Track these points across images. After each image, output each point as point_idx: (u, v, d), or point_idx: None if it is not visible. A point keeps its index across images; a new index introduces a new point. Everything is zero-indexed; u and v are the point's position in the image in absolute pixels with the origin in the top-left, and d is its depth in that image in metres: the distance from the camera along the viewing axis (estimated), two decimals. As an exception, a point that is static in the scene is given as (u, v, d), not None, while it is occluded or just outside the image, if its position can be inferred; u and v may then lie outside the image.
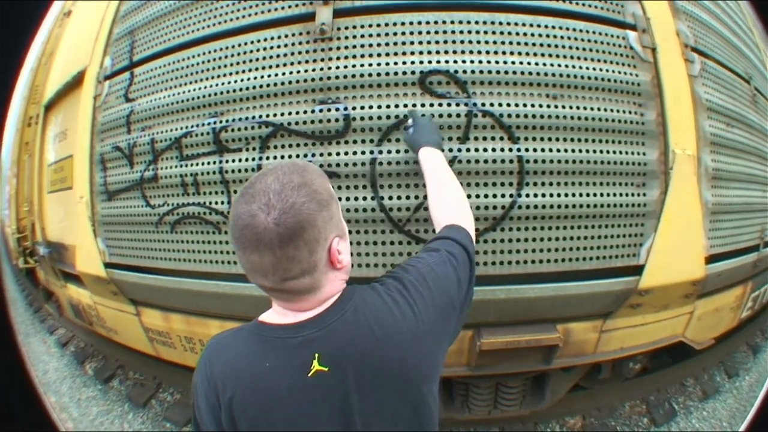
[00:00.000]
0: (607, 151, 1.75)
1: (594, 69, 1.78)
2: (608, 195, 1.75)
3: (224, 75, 1.86)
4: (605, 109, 1.77)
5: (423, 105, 1.67)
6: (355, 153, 1.67)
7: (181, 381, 2.47)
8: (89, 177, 2.28)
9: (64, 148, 2.62)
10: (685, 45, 2.04)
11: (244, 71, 1.82)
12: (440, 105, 1.67)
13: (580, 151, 1.72)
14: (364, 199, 1.67)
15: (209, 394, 0.82)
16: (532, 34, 1.76)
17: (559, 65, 1.74)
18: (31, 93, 3.43)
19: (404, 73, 1.68)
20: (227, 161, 1.80)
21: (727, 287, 2.30)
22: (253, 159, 1.76)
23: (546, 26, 1.77)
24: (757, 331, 3.14)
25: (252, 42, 1.84)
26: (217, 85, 1.86)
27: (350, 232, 1.67)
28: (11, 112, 3.41)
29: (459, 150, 1.66)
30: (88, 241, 2.26)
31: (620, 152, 1.77)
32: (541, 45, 1.75)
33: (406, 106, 1.67)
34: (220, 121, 1.82)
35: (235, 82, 1.82)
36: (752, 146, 2.38)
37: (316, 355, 0.79)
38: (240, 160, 1.78)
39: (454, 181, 1.29)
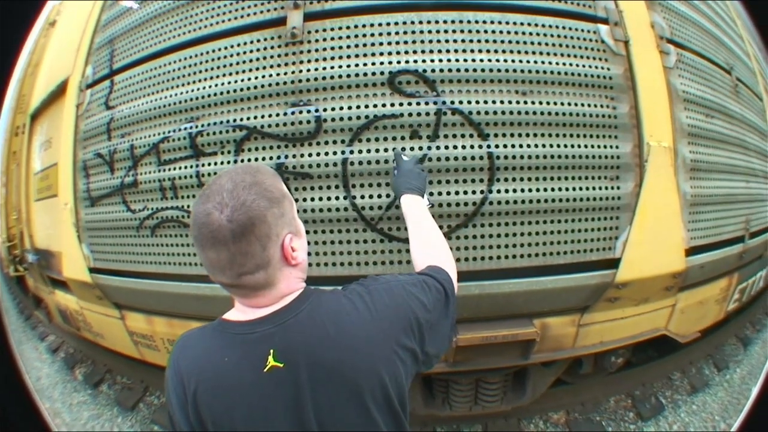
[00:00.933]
0: (579, 146, 1.80)
1: (564, 64, 1.83)
2: (581, 189, 1.79)
3: (199, 81, 1.92)
4: (576, 104, 1.81)
5: (393, 104, 1.72)
6: (326, 153, 1.73)
7: (167, 384, 2.54)
8: (73, 184, 2.35)
9: (49, 156, 2.70)
10: (660, 37, 2.08)
11: (218, 76, 1.89)
12: (409, 104, 1.72)
13: (551, 146, 1.76)
14: (337, 198, 1.72)
15: (178, 388, 0.86)
16: (501, 32, 1.81)
17: (528, 61, 1.79)
18: (18, 103, 3.52)
19: (374, 73, 1.74)
20: (203, 165, 1.86)
21: (711, 279, 2.33)
22: (229, 162, 1.82)
23: (515, 23, 1.82)
24: (746, 323, 3.16)
25: (226, 48, 1.90)
26: (192, 90, 1.92)
27: (323, 231, 1.75)
28: (0, 121, 3.50)
29: (429, 148, 1.71)
30: (73, 247, 2.33)
31: (592, 146, 1.81)
32: (510, 42, 1.80)
33: (375, 106, 1.72)
34: (196, 126, 1.88)
35: (210, 87, 1.89)
36: (734, 137, 2.41)
37: (272, 350, 0.82)
38: (216, 164, 1.84)
39: (434, 228, 1.33)
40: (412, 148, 1.71)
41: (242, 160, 1.80)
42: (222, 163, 1.83)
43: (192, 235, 0.85)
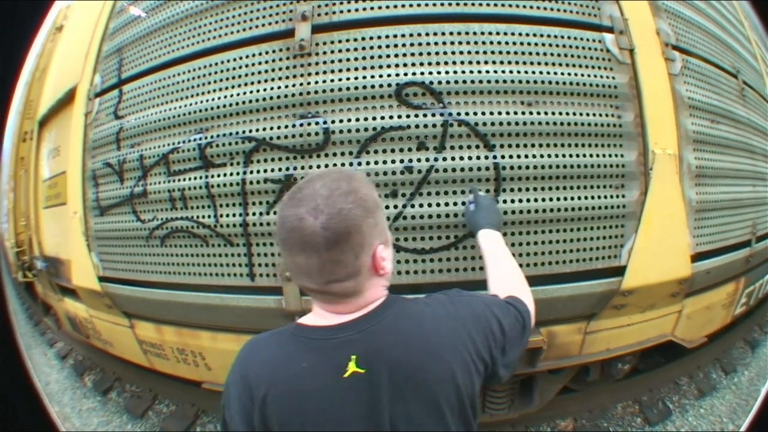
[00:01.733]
0: (584, 155, 1.84)
1: (569, 74, 1.86)
2: (586, 198, 1.83)
3: (208, 92, 1.97)
4: (581, 113, 1.85)
5: (400, 116, 1.77)
6: (335, 165, 1.78)
7: (175, 393, 2.61)
8: (82, 193, 2.41)
9: (57, 164, 2.77)
10: (666, 44, 2.11)
11: (227, 88, 1.94)
12: (416, 116, 1.77)
13: (556, 156, 1.81)
14: (345, 209, 1.77)
15: (242, 394, 0.85)
16: (506, 43, 1.85)
17: (534, 72, 1.83)
18: (25, 108, 3.59)
19: (381, 86, 1.78)
20: (212, 176, 1.92)
21: (717, 284, 2.37)
22: (238, 173, 1.87)
23: (520, 34, 1.87)
24: (754, 326, 3.19)
25: (234, 59, 1.95)
26: (201, 101, 1.97)
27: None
28: (8, 126, 3.56)
29: (436, 159, 1.76)
30: (83, 256, 2.39)
31: (597, 155, 1.85)
32: (515, 53, 1.84)
33: (383, 118, 1.77)
34: (205, 137, 1.93)
35: (219, 98, 1.94)
36: (740, 141, 2.45)
37: (353, 357, 0.82)
38: (225, 175, 1.89)
39: (512, 263, 1.36)
40: (419, 160, 1.76)
41: (251, 172, 1.85)
42: (231, 174, 1.88)
43: (279, 238, 0.85)
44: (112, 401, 2.81)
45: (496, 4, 1.90)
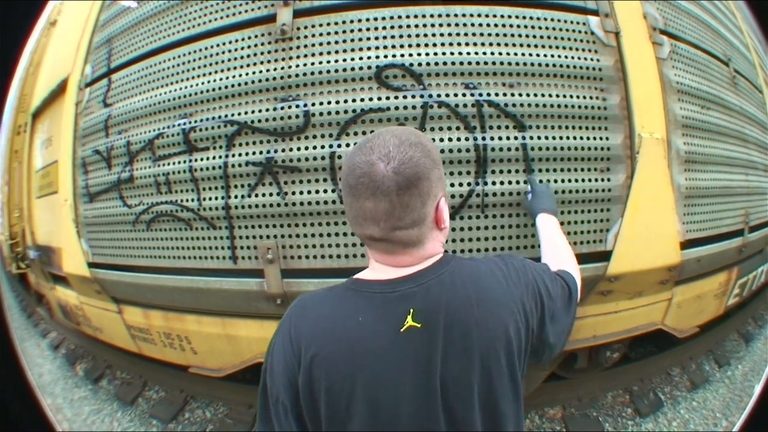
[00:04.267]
0: (568, 137, 1.83)
1: (552, 56, 1.86)
2: (570, 181, 1.83)
3: (192, 78, 2.00)
4: (564, 96, 1.85)
5: (380, 98, 1.77)
6: (315, 147, 1.79)
7: (164, 379, 2.63)
8: (72, 180, 2.44)
9: (50, 153, 2.81)
10: (653, 28, 2.10)
11: (210, 73, 1.96)
12: (396, 98, 1.77)
13: (539, 138, 1.80)
14: (325, 191, 1.78)
15: (288, 356, 0.84)
16: (488, 24, 1.85)
17: (515, 54, 1.83)
18: (19, 102, 3.65)
19: (361, 68, 1.79)
20: (196, 160, 1.93)
21: (709, 273, 2.34)
22: (220, 157, 1.89)
23: (502, 16, 1.87)
24: (748, 318, 3.15)
25: (218, 45, 1.97)
26: (185, 87, 2.00)
27: (312, 224, 1.81)
28: (3, 120, 3.62)
29: (416, 141, 1.76)
30: (73, 243, 2.42)
31: (581, 138, 1.85)
32: (497, 35, 1.84)
33: (363, 100, 1.77)
34: (189, 122, 1.95)
35: (203, 84, 1.96)
36: (732, 129, 2.42)
37: (412, 310, 0.83)
38: (208, 159, 1.91)
39: (566, 244, 1.43)
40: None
41: (233, 155, 1.87)
42: (214, 158, 1.90)
43: (347, 184, 0.86)
44: (103, 389, 2.84)
45: (478, -14, 1.90)
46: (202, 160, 1.92)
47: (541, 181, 1.76)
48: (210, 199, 1.91)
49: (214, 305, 2.01)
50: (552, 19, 1.91)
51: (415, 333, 0.82)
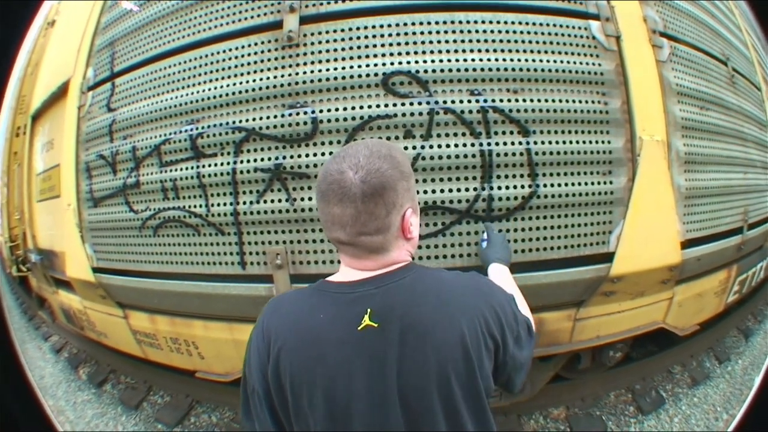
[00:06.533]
0: (570, 142, 1.90)
1: (555, 61, 1.93)
2: (573, 184, 1.90)
3: (199, 83, 2.05)
4: (567, 101, 1.92)
5: (386, 105, 1.84)
6: (323, 154, 1.85)
7: (169, 384, 2.69)
8: (76, 185, 2.49)
9: (51, 157, 2.85)
10: (653, 31, 2.18)
11: (217, 79, 2.01)
12: (403, 104, 1.83)
13: (543, 143, 1.87)
14: (334, 197, 1.84)
15: (261, 348, 0.93)
16: (492, 31, 1.92)
17: (519, 60, 1.90)
18: (18, 103, 3.67)
19: (368, 75, 1.85)
20: (203, 166, 1.99)
21: (709, 272, 2.43)
22: (228, 163, 1.94)
23: (506, 22, 1.93)
24: (748, 314, 3.25)
25: (224, 51, 2.02)
26: (192, 93, 2.05)
27: (321, 230, 1.87)
28: (1, 122, 3.64)
29: (422, 147, 1.82)
30: (77, 247, 2.47)
31: (584, 141, 1.92)
32: (501, 41, 1.91)
33: (370, 107, 1.84)
34: (197, 128, 2.01)
35: (210, 90, 2.01)
36: (731, 128, 2.51)
37: (369, 310, 0.89)
38: (216, 165, 1.97)
39: (521, 296, 1.39)
40: (405, 148, 1.82)
41: (242, 161, 1.93)
42: (221, 164, 1.95)
43: (319, 190, 0.94)
44: (106, 393, 2.89)
45: (481, -7, 1.96)
46: (210, 166, 1.98)
47: (499, 230, 1.80)
48: (218, 205, 1.97)
49: (221, 310, 2.07)
50: (554, 25, 1.97)
51: (371, 332, 0.88)
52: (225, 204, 1.96)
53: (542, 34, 1.95)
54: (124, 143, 2.23)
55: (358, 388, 0.87)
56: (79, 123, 2.51)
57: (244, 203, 1.93)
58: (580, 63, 1.96)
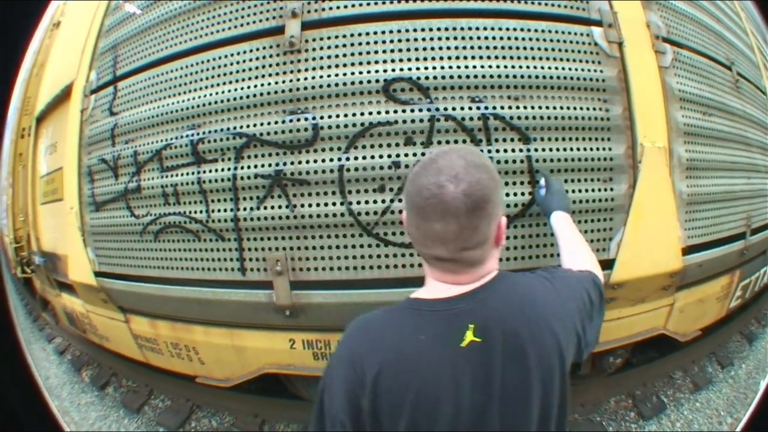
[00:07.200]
0: (571, 149, 1.89)
1: (557, 68, 1.92)
2: (574, 191, 1.88)
3: (201, 88, 2.04)
4: (568, 107, 1.90)
5: (387, 112, 1.83)
6: (324, 161, 1.84)
7: (170, 388, 2.70)
8: (78, 189, 2.49)
9: (54, 160, 2.85)
10: (656, 36, 2.16)
11: (219, 84, 2.01)
12: (404, 111, 1.82)
13: (543, 150, 1.86)
14: (334, 204, 1.83)
15: (350, 376, 0.87)
16: (494, 38, 1.90)
17: (521, 67, 1.89)
18: (23, 104, 3.68)
19: (369, 81, 1.84)
20: (204, 171, 1.99)
21: (711, 277, 2.41)
22: (229, 169, 1.94)
23: (507, 29, 1.92)
24: (751, 319, 3.23)
25: (226, 56, 2.02)
26: (194, 98, 2.04)
27: (321, 236, 1.87)
28: (7, 122, 3.65)
29: (423, 154, 1.81)
30: (79, 251, 2.47)
31: (585, 149, 1.90)
32: (503, 48, 1.90)
33: (371, 113, 1.83)
34: (198, 134, 2.01)
35: (211, 95, 2.01)
36: (734, 133, 2.48)
37: (471, 326, 0.87)
38: (216, 171, 1.97)
39: (583, 242, 1.48)
40: (406, 155, 1.82)
41: (242, 167, 1.92)
42: (222, 170, 1.95)
43: (414, 205, 0.90)
44: (109, 396, 2.91)
45: (483, 0, 1.95)
46: (210, 171, 1.97)
47: (555, 179, 1.78)
48: (219, 210, 1.97)
49: (222, 316, 2.07)
50: (556, 32, 1.96)
51: (475, 348, 0.86)
52: (225, 210, 1.95)
53: (544, 40, 1.94)
54: (126, 147, 2.23)
55: (465, 405, 0.85)
56: (82, 126, 2.51)
57: (245, 209, 1.92)
58: (582, 70, 1.95)
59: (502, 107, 1.85)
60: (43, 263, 2.98)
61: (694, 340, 2.47)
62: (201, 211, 2.00)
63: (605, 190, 1.93)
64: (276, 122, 1.89)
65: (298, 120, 1.87)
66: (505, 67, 1.87)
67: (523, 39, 1.92)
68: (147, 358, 2.47)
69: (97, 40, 2.60)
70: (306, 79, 1.89)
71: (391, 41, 1.88)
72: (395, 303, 0.97)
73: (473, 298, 0.91)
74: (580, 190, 1.89)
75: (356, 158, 1.82)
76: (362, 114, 1.83)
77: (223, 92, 1.98)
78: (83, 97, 2.56)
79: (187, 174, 2.02)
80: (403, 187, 0.98)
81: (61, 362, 3.41)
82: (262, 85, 1.93)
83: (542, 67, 1.90)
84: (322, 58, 1.90)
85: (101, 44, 2.57)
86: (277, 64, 1.94)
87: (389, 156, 1.81)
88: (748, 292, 2.77)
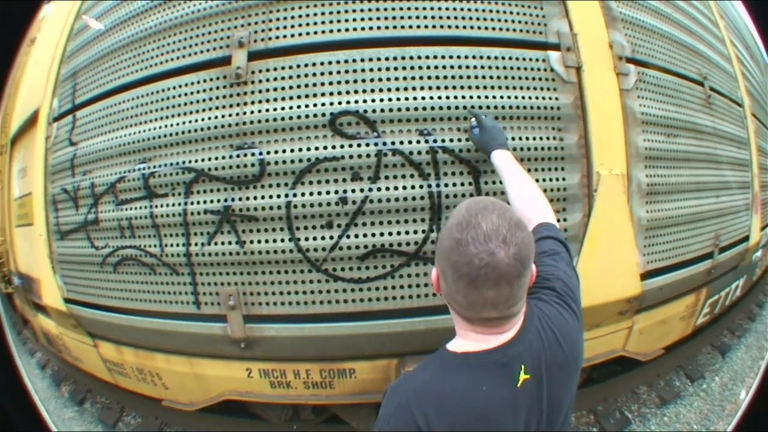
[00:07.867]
0: (524, 180, 1.82)
1: (509, 97, 1.84)
2: (527, 223, 1.82)
3: (151, 120, 1.99)
4: (521, 138, 1.83)
5: (334, 147, 1.76)
6: (271, 197, 1.79)
7: (140, 406, 2.70)
8: (45, 216, 2.46)
9: (25, 184, 2.82)
10: (619, 57, 2.06)
11: (168, 117, 1.95)
12: (350, 146, 1.76)
13: (494, 182, 1.79)
14: (282, 240, 1.79)
15: None
16: (444, 66, 1.82)
17: (471, 97, 1.81)
18: (3, 121, 3.61)
19: (315, 115, 1.78)
20: (156, 206, 1.94)
21: (673, 298, 2.35)
22: (179, 204, 1.89)
23: (458, 57, 1.84)
24: (723, 330, 3.16)
25: (174, 87, 1.96)
26: (145, 131, 1.99)
27: (270, 272, 1.83)
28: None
29: (370, 189, 1.76)
30: (49, 277, 2.46)
31: (537, 180, 1.83)
32: (453, 77, 1.82)
33: (317, 148, 1.77)
34: (149, 167, 1.95)
35: (161, 128, 1.95)
36: (702, 152, 2.39)
37: (522, 366, 0.93)
38: (168, 205, 1.92)
39: (529, 179, 1.50)
40: (353, 190, 1.76)
41: (192, 203, 1.87)
42: (173, 204, 1.90)
43: (466, 276, 0.85)
44: (87, 411, 2.92)
45: (434, 26, 1.86)
46: (162, 206, 1.93)
47: (486, 115, 1.70)
48: (172, 245, 1.93)
49: (181, 346, 2.05)
50: (510, 58, 1.88)
51: (528, 385, 0.93)
52: (178, 245, 1.92)
53: (497, 68, 1.86)
54: (84, 179, 2.19)
55: None
56: (47, 154, 2.47)
57: (196, 245, 1.88)
58: (536, 98, 1.87)
59: (451, 140, 1.78)
60: (21, 284, 2.98)
61: (657, 358, 2.42)
62: (155, 245, 1.96)
63: (559, 220, 1.86)
64: (223, 157, 1.84)
65: (245, 155, 1.81)
66: (455, 97, 1.80)
67: (475, 67, 1.84)
68: (117, 381, 2.47)
69: (60, 66, 2.54)
70: (252, 112, 1.83)
71: (338, 72, 1.81)
72: (434, 357, 0.98)
73: (520, 342, 0.94)
74: (532, 222, 1.82)
75: (303, 194, 1.77)
76: (308, 149, 1.77)
77: (171, 125, 1.93)
78: (47, 124, 2.51)
79: (141, 208, 1.98)
80: (439, 250, 0.93)
81: (44, 377, 3.44)
82: (209, 118, 1.87)
83: (494, 97, 1.83)
84: (268, 90, 1.84)
85: (63, 70, 2.51)
86: (224, 96, 1.87)
87: (336, 192, 1.76)
88: (717, 307, 2.71)
